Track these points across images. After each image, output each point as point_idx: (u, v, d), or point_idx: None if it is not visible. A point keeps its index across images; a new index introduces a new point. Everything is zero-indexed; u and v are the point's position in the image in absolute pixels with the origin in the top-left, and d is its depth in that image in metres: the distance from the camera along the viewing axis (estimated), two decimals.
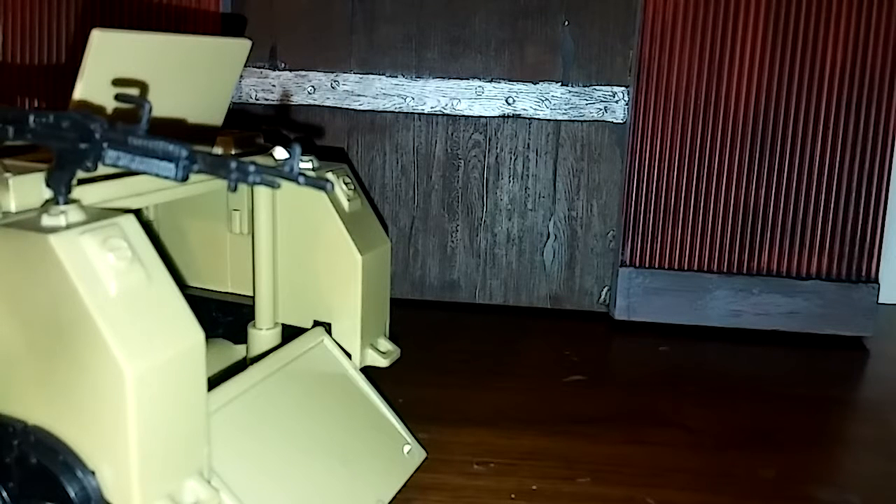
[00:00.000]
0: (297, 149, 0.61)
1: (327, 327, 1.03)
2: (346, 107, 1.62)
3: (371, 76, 1.61)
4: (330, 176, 1.02)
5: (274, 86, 1.61)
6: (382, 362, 1.04)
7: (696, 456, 1.10)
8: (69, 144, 0.65)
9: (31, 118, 0.66)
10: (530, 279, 1.68)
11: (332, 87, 1.61)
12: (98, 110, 0.77)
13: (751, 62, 1.52)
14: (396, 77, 1.61)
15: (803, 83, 1.52)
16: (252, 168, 0.62)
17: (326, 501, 0.84)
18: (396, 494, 0.93)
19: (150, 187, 0.82)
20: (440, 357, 1.42)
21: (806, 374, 1.44)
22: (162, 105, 0.85)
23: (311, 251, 1.01)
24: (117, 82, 0.79)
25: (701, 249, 1.58)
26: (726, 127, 1.54)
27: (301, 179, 0.61)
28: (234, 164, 0.62)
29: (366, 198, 1.08)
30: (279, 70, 1.61)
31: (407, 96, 1.61)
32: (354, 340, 1.02)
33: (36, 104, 1.59)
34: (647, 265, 1.59)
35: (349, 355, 1.02)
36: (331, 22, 1.61)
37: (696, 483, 1.03)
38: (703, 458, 1.10)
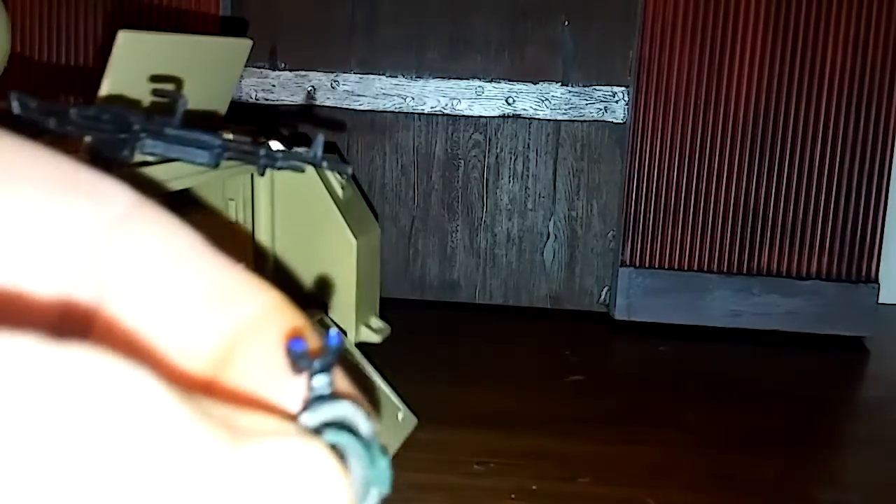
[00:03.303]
0: (321, 137, 0.67)
1: (324, 307, 1.07)
2: (346, 107, 1.61)
3: (371, 76, 1.61)
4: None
5: (274, 86, 1.61)
6: (375, 338, 1.11)
7: (696, 456, 1.10)
8: (109, 135, 0.69)
9: (73, 111, 0.70)
10: (530, 279, 1.68)
11: (332, 88, 1.61)
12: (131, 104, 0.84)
13: (751, 63, 1.52)
14: (396, 77, 1.61)
15: (803, 84, 1.52)
16: (280, 154, 0.68)
17: None
18: (393, 456, 0.95)
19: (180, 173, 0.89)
20: (440, 357, 1.42)
21: (806, 374, 1.44)
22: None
23: (308, 235, 1.09)
24: (144, 78, 0.84)
25: (701, 249, 1.58)
26: (726, 127, 1.54)
27: (325, 164, 0.67)
28: (263, 151, 0.68)
29: (361, 194, 1.16)
30: (279, 70, 1.61)
31: (407, 96, 1.61)
32: (349, 318, 1.09)
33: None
34: (647, 265, 1.59)
35: (345, 333, 1.07)
36: (331, 22, 1.61)
37: (696, 483, 1.03)
38: (703, 458, 1.10)
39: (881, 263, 1.57)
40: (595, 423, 1.18)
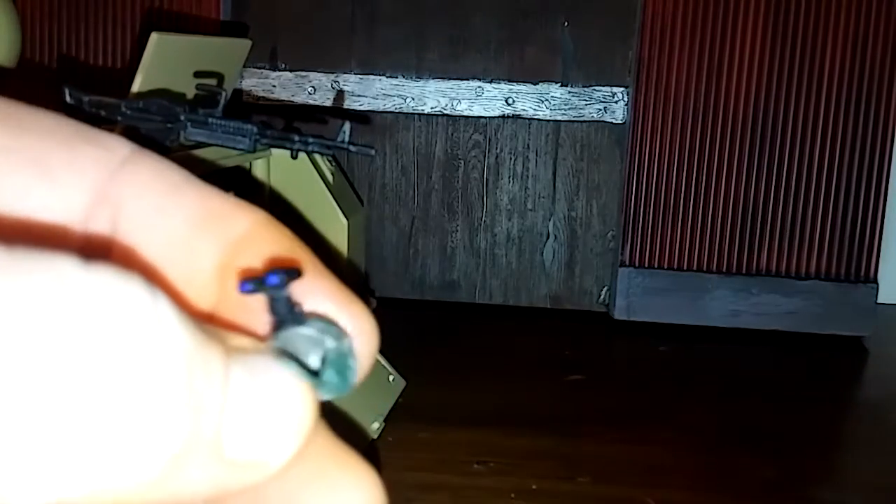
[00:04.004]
0: (348, 125, 0.79)
1: None
2: (347, 107, 1.62)
3: (371, 77, 1.61)
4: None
5: (274, 86, 1.61)
6: None
7: (696, 455, 1.11)
8: (157, 125, 0.78)
9: (123, 105, 0.79)
10: (530, 279, 1.68)
11: (333, 88, 1.61)
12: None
13: (750, 62, 1.52)
14: (396, 77, 1.61)
15: (802, 83, 1.52)
16: (311, 139, 0.80)
17: (347, 416, 1.02)
18: (389, 411, 1.11)
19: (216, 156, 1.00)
20: (440, 357, 1.42)
21: (805, 374, 1.44)
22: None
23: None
24: (172, 74, 0.91)
25: (700, 249, 1.58)
26: (725, 127, 1.54)
27: (352, 148, 0.80)
28: (296, 137, 0.79)
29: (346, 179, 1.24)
30: (280, 71, 1.61)
31: (407, 97, 1.61)
32: None
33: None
34: (646, 265, 1.59)
35: None
36: (331, 23, 1.62)
37: (696, 483, 1.04)
38: (703, 457, 1.10)
39: (880, 263, 1.58)
40: (594, 423, 1.19)
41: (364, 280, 1.27)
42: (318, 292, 0.16)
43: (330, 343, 0.16)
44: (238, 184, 1.10)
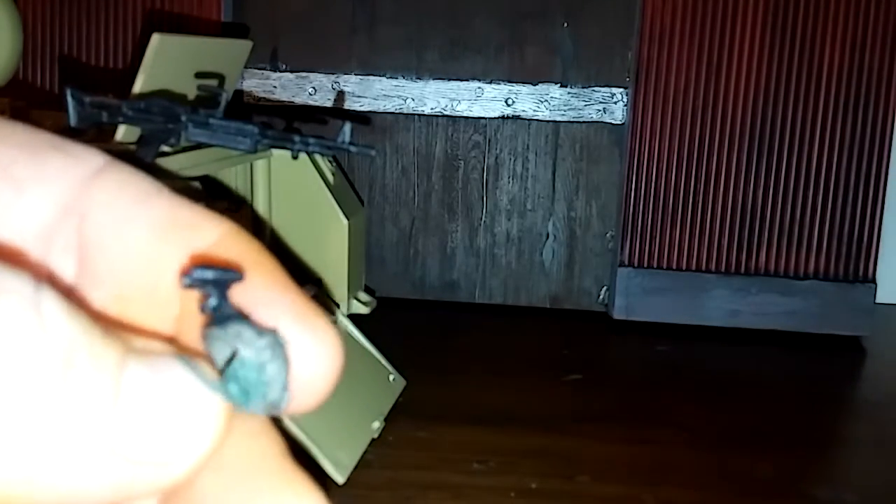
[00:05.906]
0: (348, 125, 0.80)
1: (318, 283, 1.18)
2: (347, 108, 1.62)
3: (371, 78, 1.61)
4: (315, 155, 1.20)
5: (275, 87, 1.62)
6: (365, 310, 1.24)
7: (695, 454, 1.11)
8: (158, 125, 0.79)
9: (124, 106, 0.79)
10: (529, 279, 1.69)
11: (333, 89, 1.62)
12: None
13: (749, 64, 1.52)
14: (397, 78, 1.62)
15: (801, 84, 1.53)
16: (312, 140, 0.80)
17: (348, 415, 1.04)
18: (390, 411, 1.13)
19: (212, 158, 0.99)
20: (440, 357, 1.42)
21: (803, 374, 1.45)
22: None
23: (303, 217, 1.20)
24: (173, 75, 0.92)
25: (699, 249, 1.59)
26: (725, 128, 1.55)
27: (352, 148, 0.80)
28: (297, 137, 0.80)
29: (347, 180, 1.25)
30: (280, 72, 1.62)
31: (407, 97, 1.61)
32: (342, 293, 1.22)
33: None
34: (645, 265, 1.60)
35: (338, 305, 1.20)
36: (331, 24, 1.62)
37: (695, 481, 1.04)
38: (702, 456, 1.11)
39: (878, 263, 1.58)
40: (594, 422, 1.19)
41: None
42: (275, 304, 0.16)
43: (245, 352, 0.15)
44: (222, 193, 1.10)
